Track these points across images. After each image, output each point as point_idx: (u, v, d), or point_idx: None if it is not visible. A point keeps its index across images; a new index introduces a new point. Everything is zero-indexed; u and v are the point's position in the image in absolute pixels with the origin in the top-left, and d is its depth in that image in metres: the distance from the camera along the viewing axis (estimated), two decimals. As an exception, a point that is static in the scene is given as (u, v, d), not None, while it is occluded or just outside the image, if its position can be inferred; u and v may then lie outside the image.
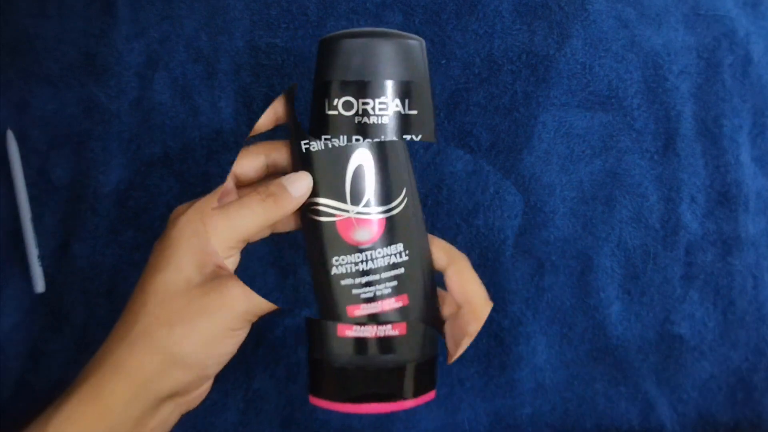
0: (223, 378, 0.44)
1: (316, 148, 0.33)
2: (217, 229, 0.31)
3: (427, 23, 0.48)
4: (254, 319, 0.32)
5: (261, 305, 0.31)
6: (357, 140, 0.32)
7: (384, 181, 0.33)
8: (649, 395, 0.48)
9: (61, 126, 0.46)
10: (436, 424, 0.45)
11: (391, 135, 0.32)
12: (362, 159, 0.33)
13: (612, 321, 0.48)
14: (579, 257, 0.48)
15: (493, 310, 0.47)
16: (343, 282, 0.34)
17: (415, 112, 0.32)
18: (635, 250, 0.49)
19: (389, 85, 0.31)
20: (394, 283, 0.34)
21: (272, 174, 0.36)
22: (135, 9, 0.46)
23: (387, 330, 0.34)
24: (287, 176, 0.33)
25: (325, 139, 0.32)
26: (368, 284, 0.33)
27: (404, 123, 0.32)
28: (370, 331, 0.33)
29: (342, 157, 0.33)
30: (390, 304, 0.34)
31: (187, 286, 0.31)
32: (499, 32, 0.48)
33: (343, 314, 0.34)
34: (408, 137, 0.32)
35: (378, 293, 0.34)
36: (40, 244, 0.44)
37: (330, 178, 0.33)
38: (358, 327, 0.33)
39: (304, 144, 0.33)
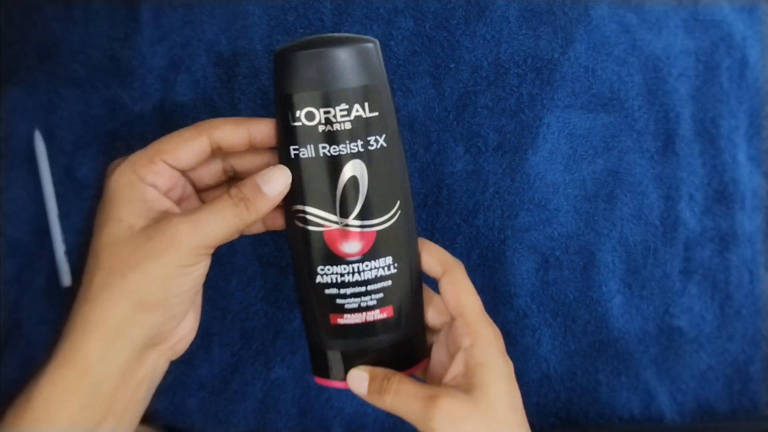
0: (242, 368, 0.45)
1: (306, 155, 0.31)
2: (184, 237, 0.30)
3: (437, 28, 0.48)
4: (209, 251, 0.31)
5: (210, 237, 0.30)
6: (353, 149, 0.31)
7: (377, 194, 0.32)
8: (649, 385, 0.48)
9: (87, 126, 0.46)
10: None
11: (356, 139, 0.31)
12: (356, 170, 0.31)
13: (614, 314, 0.48)
14: (582, 252, 0.48)
15: (499, 303, 0.47)
16: (327, 291, 0.33)
17: (376, 113, 0.31)
18: (636, 245, 0.49)
19: (348, 92, 0.30)
20: (380, 295, 0.33)
21: (219, 157, 0.34)
22: (158, 14, 0.46)
23: (375, 315, 0.34)
24: (262, 173, 0.31)
25: (322, 147, 0.31)
26: (353, 295, 0.33)
27: (367, 126, 0.31)
28: (359, 318, 0.33)
29: (334, 166, 0.31)
30: (374, 316, 0.34)
31: (131, 233, 0.30)
32: (505, 37, 0.48)
33: (326, 321, 0.34)
34: (372, 138, 0.31)
35: (363, 304, 0.33)
36: (67, 240, 0.45)
37: (320, 187, 0.32)
38: (348, 315, 0.33)
39: (293, 149, 0.31)
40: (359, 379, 0.34)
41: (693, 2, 0.53)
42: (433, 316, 0.37)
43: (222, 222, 0.30)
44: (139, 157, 0.31)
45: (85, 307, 0.30)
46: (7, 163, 0.45)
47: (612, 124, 0.50)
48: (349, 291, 0.33)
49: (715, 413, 0.49)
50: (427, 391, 0.32)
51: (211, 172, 0.34)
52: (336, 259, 0.33)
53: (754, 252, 0.52)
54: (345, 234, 0.32)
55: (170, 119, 0.46)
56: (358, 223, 0.32)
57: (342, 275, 0.33)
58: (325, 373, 0.35)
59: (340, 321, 0.33)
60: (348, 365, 0.34)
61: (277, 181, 0.31)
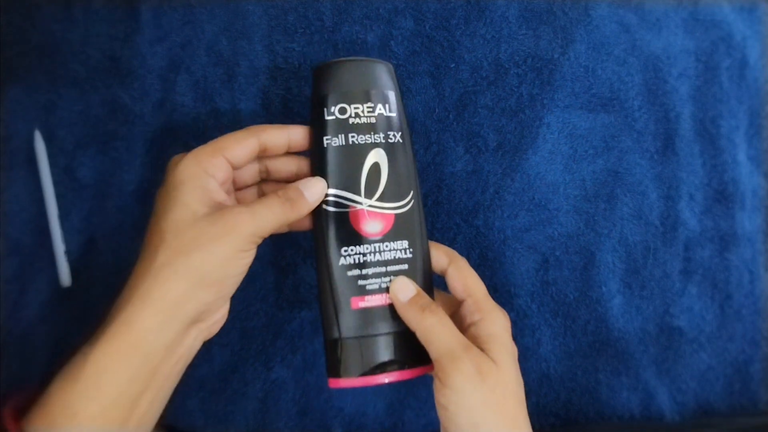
0: (242, 368, 0.45)
1: (337, 144, 0.37)
2: (243, 225, 0.33)
3: (438, 28, 0.48)
4: (259, 240, 0.35)
5: (264, 227, 0.34)
6: (376, 139, 0.37)
7: (395, 179, 0.37)
8: (649, 385, 0.48)
9: (87, 126, 0.46)
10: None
11: (378, 132, 0.37)
12: (378, 157, 0.37)
13: (614, 314, 0.48)
14: (582, 252, 0.48)
15: (500, 303, 0.48)
16: (350, 273, 0.36)
17: (394, 114, 0.38)
18: (636, 245, 0.49)
19: (374, 94, 0.37)
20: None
21: (263, 157, 0.39)
22: (158, 14, 0.46)
23: None
24: (303, 181, 0.36)
25: (351, 136, 0.37)
26: (375, 276, 0.36)
27: (388, 123, 0.38)
28: (380, 299, 0.36)
29: (360, 153, 0.37)
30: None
31: (195, 218, 0.33)
32: (505, 37, 0.49)
33: (347, 305, 0.36)
34: (391, 133, 0.37)
35: (383, 285, 0.36)
36: (67, 240, 0.45)
37: (347, 171, 0.37)
38: (369, 297, 0.36)
39: (326, 139, 0.37)
40: (406, 286, 0.36)
41: (693, 2, 0.53)
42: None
43: (272, 216, 0.35)
44: (202, 152, 0.35)
45: (146, 282, 0.32)
46: (7, 163, 0.45)
47: (612, 124, 0.50)
48: (371, 271, 0.36)
49: (715, 413, 0.50)
50: (466, 339, 0.35)
51: (251, 173, 0.39)
52: (359, 238, 0.36)
53: (754, 252, 0.52)
54: (369, 214, 0.37)
55: (170, 119, 0.46)
56: (379, 204, 0.37)
57: (364, 255, 0.36)
58: (343, 371, 0.36)
59: (362, 304, 0.36)
60: (367, 360, 0.36)
61: (316, 188, 0.36)
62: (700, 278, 0.50)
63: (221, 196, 0.35)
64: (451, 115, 0.48)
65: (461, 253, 0.47)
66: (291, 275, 0.46)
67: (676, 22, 0.52)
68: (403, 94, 0.47)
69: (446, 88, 0.48)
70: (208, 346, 0.45)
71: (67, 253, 0.45)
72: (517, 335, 0.47)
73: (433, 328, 0.34)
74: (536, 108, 0.49)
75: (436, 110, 0.48)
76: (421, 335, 0.35)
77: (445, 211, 0.48)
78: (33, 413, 0.31)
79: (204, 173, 0.34)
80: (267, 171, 0.40)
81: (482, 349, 0.35)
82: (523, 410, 0.35)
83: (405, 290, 0.36)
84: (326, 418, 0.45)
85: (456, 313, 0.38)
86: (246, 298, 0.46)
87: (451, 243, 0.48)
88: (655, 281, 0.49)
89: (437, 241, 0.47)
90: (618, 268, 0.49)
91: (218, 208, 0.34)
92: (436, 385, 0.34)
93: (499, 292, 0.47)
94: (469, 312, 0.37)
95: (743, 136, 0.53)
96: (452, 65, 0.48)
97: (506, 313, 0.37)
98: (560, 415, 0.47)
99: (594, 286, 0.48)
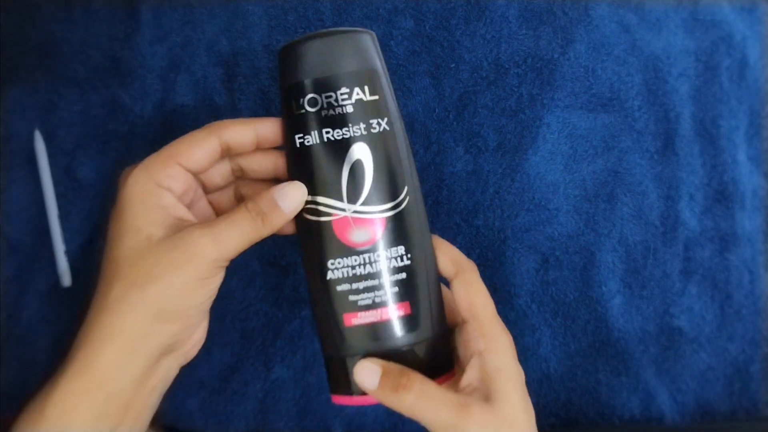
0: (242, 368, 0.45)
1: (311, 143, 0.32)
2: (205, 250, 0.30)
3: (438, 28, 0.48)
4: (225, 264, 0.31)
5: (230, 249, 0.30)
6: (356, 132, 0.32)
7: (384, 177, 0.32)
8: (649, 385, 0.48)
9: (87, 126, 0.46)
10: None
11: (358, 122, 0.32)
12: (360, 153, 0.32)
13: (614, 314, 0.48)
14: (582, 252, 0.48)
15: (499, 303, 0.47)
16: (339, 288, 0.32)
17: (376, 97, 0.32)
18: (636, 245, 0.49)
19: (347, 76, 0.32)
20: (395, 289, 0.32)
21: (227, 157, 0.34)
22: (158, 14, 0.46)
23: (392, 311, 0.32)
24: (278, 188, 0.32)
25: (326, 132, 0.32)
26: (366, 290, 0.32)
27: (368, 109, 0.32)
28: (375, 315, 0.32)
29: (339, 151, 0.32)
30: (390, 313, 0.32)
31: (150, 244, 0.30)
32: (505, 37, 0.48)
33: (340, 325, 0.32)
34: (374, 121, 0.32)
35: (377, 300, 0.32)
36: (67, 240, 0.45)
37: (325, 174, 0.32)
38: (363, 313, 0.32)
39: (299, 138, 0.32)
40: (369, 371, 0.31)
41: (693, 2, 0.53)
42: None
43: (239, 235, 0.31)
44: (153, 162, 0.31)
45: (102, 318, 0.30)
46: (7, 163, 0.45)
47: (612, 124, 0.50)
48: (361, 285, 0.32)
49: (715, 413, 0.49)
50: (457, 398, 0.31)
51: (221, 173, 0.35)
52: (346, 250, 0.32)
53: (754, 252, 0.52)
54: (353, 221, 0.32)
55: (170, 119, 0.46)
56: (365, 209, 0.32)
57: (353, 267, 0.32)
58: (344, 389, 0.33)
59: (354, 321, 0.32)
60: None
61: (293, 196, 0.32)
62: (700, 278, 0.50)
63: (180, 211, 0.32)
64: (451, 115, 0.48)
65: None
66: (291, 275, 0.46)
67: (676, 22, 0.52)
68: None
69: (446, 88, 0.48)
70: (208, 346, 0.45)
71: (67, 253, 0.45)
72: (517, 335, 0.47)
73: (414, 408, 0.30)
74: (536, 108, 0.49)
75: (436, 110, 0.48)
76: (407, 415, 0.31)
77: (445, 211, 0.47)
78: None
79: (156, 188, 0.31)
80: (241, 170, 0.35)
81: (488, 384, 0.31)
82: None
83: (369, 377, 0.31)
84: (326, 418, 0.45)
85: (464, 329, 0.34)
86: (246, 298, 0.46)
87: (451, 243, 0.47)
88: (655, 281, 0.49)
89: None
90: (618, 268, 0.49)
91: (178, 227, 0.31)
92: None
93: (499, 292, 0.47)
94: (473, 337, 0.33)
95: (743, 136, 0.53)
96: (452, 65, 0.48)
97: (510, 336, 0.34)
98: (560, 415, 0.47)
99: (594, 286, 0.48)
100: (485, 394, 0.31)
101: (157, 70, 0.46)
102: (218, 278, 0.31)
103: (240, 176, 0.36)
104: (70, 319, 0.44)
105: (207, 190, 0.35)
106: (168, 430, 0.45)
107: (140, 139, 0.46)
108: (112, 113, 0.46)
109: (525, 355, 0.47)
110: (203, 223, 0.31)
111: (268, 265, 0.46)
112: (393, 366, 0.32)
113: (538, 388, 0.47)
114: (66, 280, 0.45)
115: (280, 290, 0.46)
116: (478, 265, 0.47)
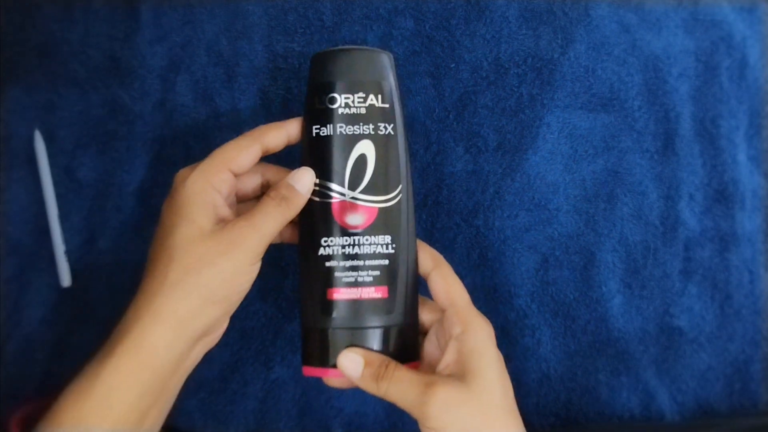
0: (242, 368, 0.45)
1: (325, 133, 0.37)
2: (249, 238, 0.34)
3: (438, 28, 0.48)
4: (264, 250, 0.35)
5: (267, 234, 0.34)
6: (365, 130, 0.37)
7: (382, 172, 0.37)
8: (649, 385, 0.48)
9: (87, 126, 0.46)
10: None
11: (368, 123, 0.37)
12: (365, 149, 0.37)
13: (613, 314, 0.48)
14: (582, 252, 0.48)
15: (500, 303, 0.47)
16: (328, 263, 0.36)
17: (387, 105, 0.37)
18: (636, 245, 0.49)
19: (365, 84, 0.37)
20: (377, 272, 0.36)
21: (264, 156, 0.38)
22: (158, 14, 0.46)
23: (370, 292, 0.36)
24: (291, 175, 0.36)
25: (339, 126, 0.37)
26: (351, 269, 0.36)
27: (379, 114, 0.37)
28: (355, 293, 0.36)
29: (348, 144, 0.37)
30: (369, 293, 0.36)
31: (202, 233, 0.34)
32: (505, 37, 0.49)
33: (323, 297, 0.36)
34: (381, 125, 0.37)
35: (359, 279, 0.36)
36: (67, 240, 0.45)
37: (333, 161, 0.37)
38: (345, 289, 0.36)
39: (316, 129, 0.37)
40: (353, 362, 0.35)
41: (693, 2, 0.53)
42: (423, 314, 0.39)
43: (272, 221, 0.35)
44: (209, 166, 0.35)
45: (156, 300, 0.33)
46: (7, 163, 0.45)
47: (612, 124, 0.50)
48: (348, 264, 0.36)
49: (715, 413, 0.49)
50: (423, 378, 0.34)
51: (252, 186, 0.39)
52: (339, 230, 0.36)
53: (754, 252, 0.52)
54: (351, 206, 0.36)
55: (170, 119, 0.46)
56: (363, 197, 0.36)
57: (343, 247, 0.36)
58: (317, 361, 0.36)
59: (336, 296, 0.36)
60: (336, 351, 0.36)
61: (306, 179, 0.36)
62: (700, 278, 0.50)
63: (225, 211, 0.36)
64: (451, 115, 0.48)
65: (461, 254, 0.47)
66: (291, 275, 0.46)
67: (676, 22, 0.52)
68: (404, 93, 0.47)
69: (446, 88, 0.48)
70: (208, 346, 0.45)
71: (67, 253, 0.45)
72: (517, 335, 0.47)
73: (389, 392, 0.34)
74: (536, 108, 0.49)
75: (436, 110, 0.48)
76: (387, 400, 0.34)
77: (445, 211, 0.48)
78: (41, 426, 0.32)
79: (211, 189, 0.35)
80: (268, 183, 0.40)
81: (464, 364, 0.34)
82: (513, 417, 0.35)
83: (352, 366, 0.35)
84: (326, 418, 0.45)
85: (442, 319, 0.37)
86: (246, 298, 0.45)
87: (451, 243, 0.48)
88: (655, 281, 0.49)
89: (437, 241, 0.47)
90: (618, 268, 0.49)
91: (222, 224, 0.35)
92: (420, 428, 0.34)
93: (499, 292, 0.48)
94: (451, 323, 0.36)
95: (743, 136, 0.53)
96: (452, 65, 0.48)
97: (488, 322, 0.36)
98: (560, 415, 0.47)
99: (594, 286, 0.48)
100: (461, 374, 0.34)
101: (157, 70, 0.46)
102: (258, 266, 0.35)
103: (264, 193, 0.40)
104: (70, 319, 0.45)
105: (239, 199, 0.39)
106: (168, 430, 0.45)
107: (140, 139, 0.46)
108: (112, 113, 0.46)
109: (525, 355, 0.47)
110: (243, 216, 0.35)
111: (268, 265, 0.45)
112: (374, 356, 0.35)
113: (538, 388, 0.47)
114: (66, 280, 0.45)
115: (280, 290, 0.46)
116: (479, 265, 0.48)
